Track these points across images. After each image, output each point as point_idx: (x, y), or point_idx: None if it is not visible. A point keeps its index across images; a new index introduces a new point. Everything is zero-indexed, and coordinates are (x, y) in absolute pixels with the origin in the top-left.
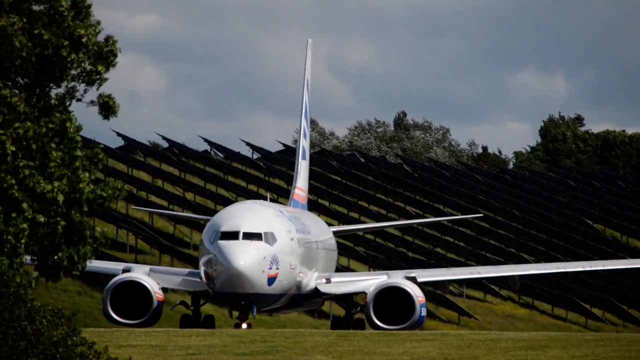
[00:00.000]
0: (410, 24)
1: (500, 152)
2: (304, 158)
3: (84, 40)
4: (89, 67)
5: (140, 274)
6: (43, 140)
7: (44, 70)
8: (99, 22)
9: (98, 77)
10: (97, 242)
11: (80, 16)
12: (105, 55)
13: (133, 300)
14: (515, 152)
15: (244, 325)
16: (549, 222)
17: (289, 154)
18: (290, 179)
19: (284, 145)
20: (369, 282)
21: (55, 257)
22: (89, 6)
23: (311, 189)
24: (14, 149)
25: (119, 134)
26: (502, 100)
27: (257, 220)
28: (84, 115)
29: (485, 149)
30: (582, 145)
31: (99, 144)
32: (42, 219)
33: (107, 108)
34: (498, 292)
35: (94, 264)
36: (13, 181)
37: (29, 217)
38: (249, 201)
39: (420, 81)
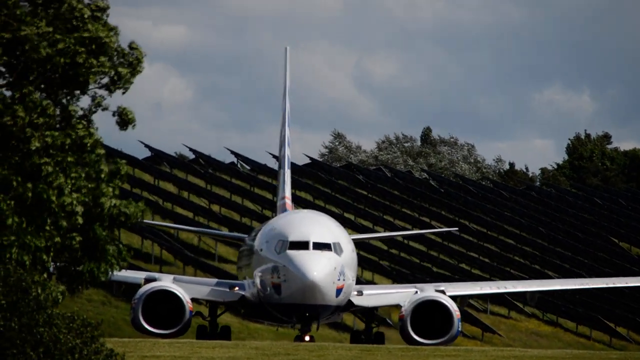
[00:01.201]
0: (436, 38)
1: (527, 168)
2: (288, 167)
3: (105, 41)
4: (112, 72)
5: (170, 283)
6: (64, 154)
7: (68, 77)
8: (116, 28)
9: (120, 83)
10: (120, 256)
11: (99, 21)
12: (129, 60)
13: (164, 310)
14: (541, 169)
15: (307, 338)
16: (575, 239)
17: (315, 167)
18: (317, 193)
19: (311, 158)
20: (399, 295)
21: (75, 269)
22: (107, 8)
23: (337, 203)
24: (47, 159)
25: (145, 145)
26: (527, 117)
27: (325, 230)
28: (111, 124)
29: (512, 165)
30: (609, 164)
31: (122, 158)
32: (58, 239)
33: (124, 121)
34: (522, 309)
35: (116, 274)
36: (50, 192)
37: (47, 235)
38: (304, 210)
39: (445, 96)
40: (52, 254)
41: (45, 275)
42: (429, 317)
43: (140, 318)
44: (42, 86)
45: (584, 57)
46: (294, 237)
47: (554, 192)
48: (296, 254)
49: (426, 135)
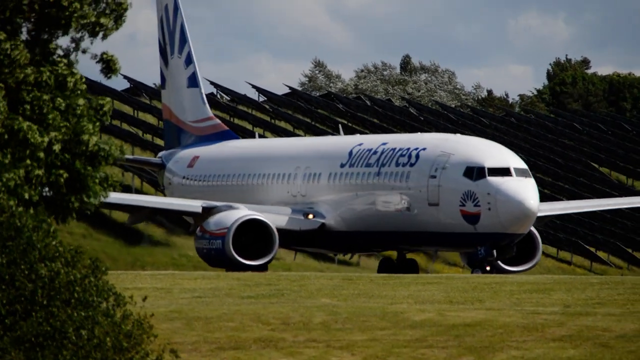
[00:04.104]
0: None
1: (507, 95)
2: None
3: None
4: (93, 19)
5: (255, 212)
6: (39, 93)
7: (48, 19)
8: None
9: (103, 29)
10: (107, 183)
11: None
12: (114, 8)
13: (250, 240)
14: (520, 95)
15: (488, 268)
16: (555, 165)
17: (295, 97)
18: (297, 122)
19: (290, 88)
20: None
21: (63, 199)
22: None
23: (318, 132)
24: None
25: (124, 77)
26: (504, 43)
27: (511, 154)
28: (91, 67)
29: (490, 92)
30: (592, 89)
31: (101, 91)
32: (40, 172)
33: (108, 67)
34: None
35: (171, 201)
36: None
37: (28, 168)
38: (457, 135)
39: (421, 24)
40: (36, 188)
41: (31, 211)
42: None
43: (231, 248)
44: (19, 30)
45: None
46: (491, 163)
47: (534, 117)
48: (503, 181)
49: (406, 63)
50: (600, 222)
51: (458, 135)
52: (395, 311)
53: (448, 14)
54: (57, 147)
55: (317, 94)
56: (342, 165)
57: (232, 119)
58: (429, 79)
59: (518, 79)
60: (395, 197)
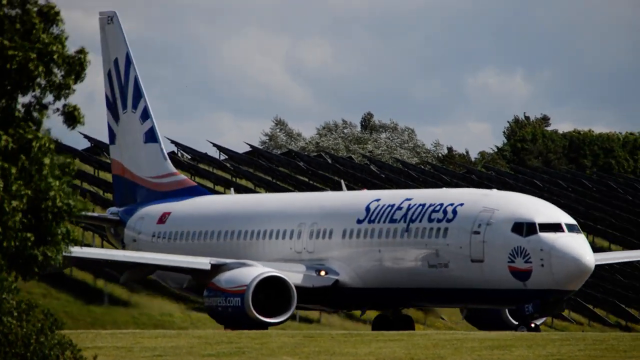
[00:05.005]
0: (368, 24)
1: (467, 152)
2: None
3: (55, 57)
4: (58, 81)
5: (273, 269)
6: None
7: (10, 79)
8: (65, 34)
9: (67, 90)
10: (68, 239)
11: (49, 26)
12: (75, 67)
13: (265, 297)
14: (481, 152)
15: (539, 322)
16: None
17: (256, 155)
18: (258, 180)
19: (251, 146)
20: None
21: (27, 254)
22: (58, 13)
23: (279, 190)
24: None
25: (85, 136)
26: (462, 101)
27: (561, 211)
28: (49, 120)
29: (450, 149)
30: (552, 146)
31: (62, 150)
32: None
33: (72, 118)
34: None
35: (175, 258)
36: None
37: None
38: (493, 190)
39: (380, 82)
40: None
41: None
42: None
43: (251, 306)
44: None
45: (516, 39)
46: (542, 219)
47: (494, 174)
48: (557, 237)
49: (367, 120)
50: None
51: (494, 190)
52: None
53: (407, 73)
54: (17, 217)
55: (278, 152)
56: (360, 222)
57: (193, 178)
58: (389, 136)
59: (478, 136)
60: (430, 253)
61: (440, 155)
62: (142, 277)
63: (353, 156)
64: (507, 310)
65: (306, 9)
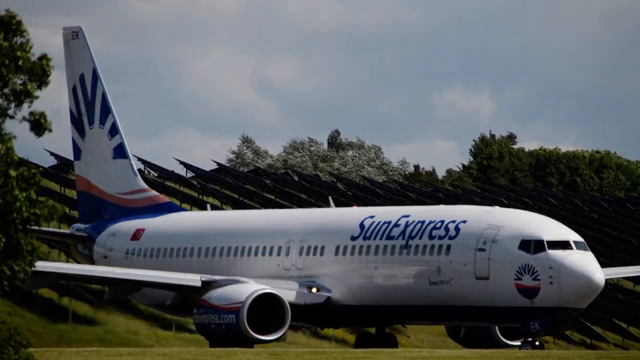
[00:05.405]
0: (335, 42)
1: (434, 170)
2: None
3: (20, 62)
4: (19, 88)
5: (267, 286)
6: None
7: None
8: (29, 42)
9: (29, 98)
10: (34, 254)
11: (11, 36)
12: (38, 73)
13: (259, 315)
14: (448, 170)
15: (537, 343)
16: None
17: (222, 173)
18: (225, 198)
19: (218, 163)
20: None
21: None
22: (20, 22)
23: (245, 207)
24: None
25: (52, 154)
26: (429, 119)
27: (568, 228)
28: (16, 133)
29: (417, 167)
30: (518, 163)
31: (36, 166)
32: None
33: (38, 126)
34: None
35: (165, 275)
36: None
37: None
38: (495, 207)
39: (348, 100)
40: None
41: None
42: None
43: (246, 323)
44: None
45: (483, 57)
46: (551, 236)
47: (461, 192)
48: (566, 254)
49: (334, 138)
50: None
51: (496, 207)
52: None
53: (374, 90)
54: None
55: (245, 170)
56: (354, 238)
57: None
58: (356, 154)
59: (444, 154)
60: (431, 270)
61: (407, 173)
62: (127, 294)
63: (320, 174)
64: (497, 328)
65: (273, 26)
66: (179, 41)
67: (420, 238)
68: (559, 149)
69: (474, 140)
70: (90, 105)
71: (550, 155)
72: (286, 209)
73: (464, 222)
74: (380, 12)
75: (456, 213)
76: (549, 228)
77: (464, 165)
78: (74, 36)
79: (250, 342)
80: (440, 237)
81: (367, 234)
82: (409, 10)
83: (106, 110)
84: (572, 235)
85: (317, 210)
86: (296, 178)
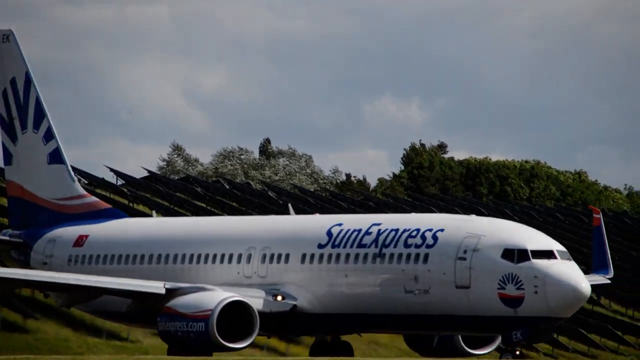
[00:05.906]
0: (266, 50)
1: (365, 179)
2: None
3: None
4: None
5: (235, 293)
6: None
7: None
8: None
9: None
10: None
11: None
12: None
13: (227, 323)
14: (379, 179)
15: (518, 353)
16: None
17: (153, 180)
18: (156, 206)
19: (149, 171)
20: None
21: None
22: None
23: (176, 215)
24: None
25: None
26: (360, 128)
27: (550, 238)
28: None
29: (349, 176)
30: (449, 173)
31: None
32: None
33: None
34: None
35: (127, 282)
36: None
37: None
38: (472, 216)
39: (278, 108)
40: None
41: None
42: None
43: (215, 331)
44: None
45: (412, 67)
46: (534, 245)
47: (392, 201)
48: (551, 264)
49: (265, 146)
50: None
51: (473, 215)
52: None
53: (305, 99)
54: None
55: (176, 178)
56: (322, 246)
57: None
58: (287, 162)
59: (375, 163)
60: (407, 279)
61: (338, 181)
62: (84, 301)
63: (251, 182)
64: (460, 337)
65: (204, 34)
66: (110, 49)
67: (395, 246)
68: (489, 159)
69: (404, 149)
70: (22, 110)
71: (481, 165)
72: (247, 216)
73: (442, 230)
74: (310, 20)
75: (432, 221)
76: (532, 237)
77: (395, 174)
78: (4, 39)
79: (220, 350)
80: (417, 246)
81: (336, 242)
82: (340, 18)
83: (40, 114)
84: (555, 245)
85: (280, 218)
86: (227, 186)
